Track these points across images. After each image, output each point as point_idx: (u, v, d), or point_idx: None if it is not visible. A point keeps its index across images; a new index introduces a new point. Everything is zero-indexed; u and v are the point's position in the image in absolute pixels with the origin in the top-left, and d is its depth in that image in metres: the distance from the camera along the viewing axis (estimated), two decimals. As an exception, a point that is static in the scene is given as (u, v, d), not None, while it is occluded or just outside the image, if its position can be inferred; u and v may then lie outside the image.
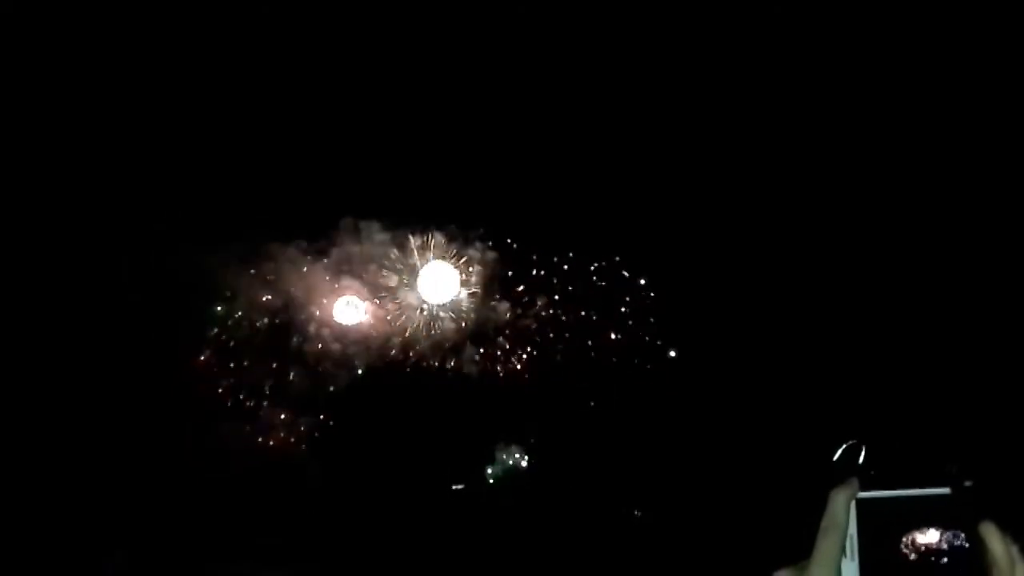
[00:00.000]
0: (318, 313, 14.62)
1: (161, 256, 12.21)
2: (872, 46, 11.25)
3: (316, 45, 12.00)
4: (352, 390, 14.40)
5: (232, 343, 14.96)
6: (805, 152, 12.06)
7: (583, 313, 15.04)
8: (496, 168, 12.91)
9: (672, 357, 14.16)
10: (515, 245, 14.83)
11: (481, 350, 15.03)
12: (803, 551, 1.36)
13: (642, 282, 14.80)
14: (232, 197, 12.48)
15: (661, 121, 12.42)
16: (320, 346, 14.84)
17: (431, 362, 14.80)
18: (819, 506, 1.37)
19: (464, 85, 12.39)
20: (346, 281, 14.60)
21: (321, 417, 14.49)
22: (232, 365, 15.10)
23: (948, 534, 1.33)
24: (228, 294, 14.19)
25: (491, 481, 14.61)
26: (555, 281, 15.23)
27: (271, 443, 14.19)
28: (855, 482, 1.38)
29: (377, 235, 14.46)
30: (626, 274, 14.97)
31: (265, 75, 12.09)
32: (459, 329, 15.04)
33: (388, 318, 14.70)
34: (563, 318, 15.11)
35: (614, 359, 14.51)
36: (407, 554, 12.87)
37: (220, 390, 14.23)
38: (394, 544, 12.89)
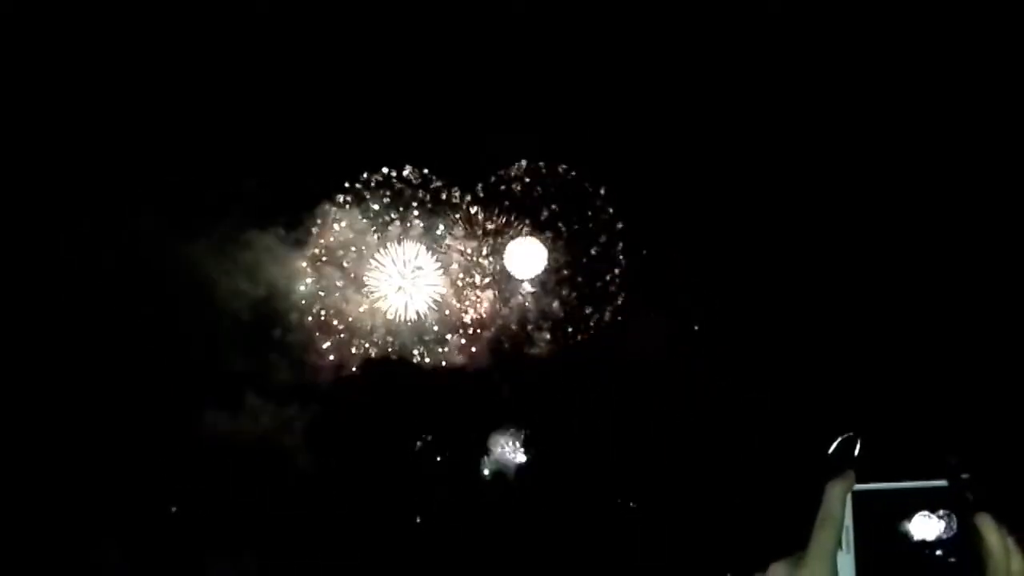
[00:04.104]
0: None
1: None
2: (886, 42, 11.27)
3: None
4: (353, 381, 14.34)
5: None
6: (804, 152, 12.07)
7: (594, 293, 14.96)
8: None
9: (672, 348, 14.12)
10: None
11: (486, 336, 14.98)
12: (799, 543, 1.36)
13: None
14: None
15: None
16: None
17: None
18: (815, 499, 1.37)
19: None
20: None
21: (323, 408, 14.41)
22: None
23: (943, 526, 1.33)
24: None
25: (487, 475, 14.59)
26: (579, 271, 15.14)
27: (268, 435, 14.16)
28: (851, 475, 1.38)
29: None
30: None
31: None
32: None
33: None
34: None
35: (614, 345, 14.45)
36: (407, 546, 12.88)
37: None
38: (395, 537, 12.91)
